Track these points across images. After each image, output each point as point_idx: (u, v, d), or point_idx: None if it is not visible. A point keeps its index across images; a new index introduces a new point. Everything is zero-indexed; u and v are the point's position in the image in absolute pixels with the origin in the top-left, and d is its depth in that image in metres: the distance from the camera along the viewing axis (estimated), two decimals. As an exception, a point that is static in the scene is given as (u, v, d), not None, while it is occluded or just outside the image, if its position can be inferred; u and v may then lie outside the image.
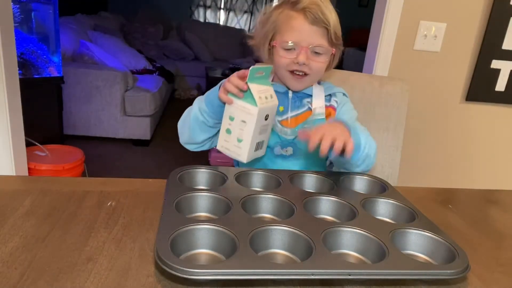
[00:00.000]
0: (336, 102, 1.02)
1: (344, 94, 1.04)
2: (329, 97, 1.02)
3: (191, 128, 0.92)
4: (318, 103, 1.00)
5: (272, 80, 1.01)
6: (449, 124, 1.70)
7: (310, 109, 0.99)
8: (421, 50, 1.57)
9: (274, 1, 6.21)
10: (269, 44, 0.96)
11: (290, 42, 0.90)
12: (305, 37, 0.90)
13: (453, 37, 1.57)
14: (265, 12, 0.98)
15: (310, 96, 1.00)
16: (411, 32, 1.55)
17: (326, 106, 1.00)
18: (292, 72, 0.94)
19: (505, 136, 1.75)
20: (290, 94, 0.99)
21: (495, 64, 1.59)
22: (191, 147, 0.98)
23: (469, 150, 1.75)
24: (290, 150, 0.97)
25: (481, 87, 1.63)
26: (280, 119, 0.98)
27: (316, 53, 0.92)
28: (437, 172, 1.77)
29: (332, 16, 0.90)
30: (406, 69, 1.59)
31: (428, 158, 1.73)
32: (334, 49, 0.94)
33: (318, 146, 0.81)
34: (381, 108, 1.18)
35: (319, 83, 1.03)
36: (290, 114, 0.99)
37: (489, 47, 1.56)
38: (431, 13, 1.53)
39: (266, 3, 6.26)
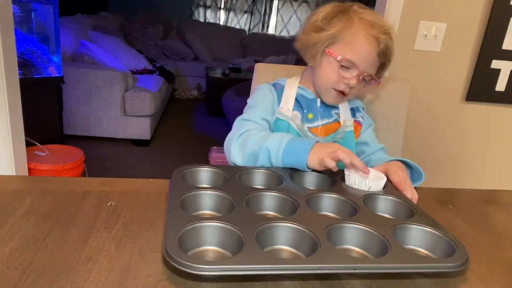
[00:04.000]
0: (362, 118, 1.04)
1: (362, 108, 1.06)
2: (352, 111, 1.03)
3: (249, 161, 0.85)
4: (345, 115, 1.01)
5: (302, 84, 1.00)
6: (449, 124, 1.70)
7: (337, 120, 1.00)
8: (421, 50, 1.57)
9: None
10: (323, 49, 0.91)
11: (351, 61, 0.88)
12: (367, 64, 0.89)
13: (453, 37, 1.57)
14: (325, 11, 0.92)
15: (336, 107, 1.01)
16: (411, 32, 1.55)
17: (354, 120, 1.02)
18: (337, 90, 0.93)
19: (505, 136, 1.75)
20: (319, 102, 0.99)
21: (495, 64, 1.59)
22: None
23: (469, 150, 1.75)
24: None
25: (481, 87, 1.63)
26: (309, 126, 0.98)
27: (364, 80, 0.91)
28: (437, 172, 1.77)
29: (394, 53, 0.90)
30: (406, 69, 1.59)
31: (428, 158, 1.73)
32: (379, 82, 0.94)
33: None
34: (381, 108, 1.18)
35: None
36: (320, 122, 0.98)
37: (489, 47, 1.56)
38: (431, 13, 1.53)
39: (266, 3, 6.27)
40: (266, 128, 0.94)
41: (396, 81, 1.20)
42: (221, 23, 6.24)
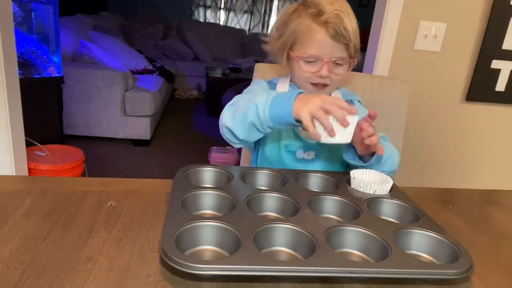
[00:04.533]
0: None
1: (359, 101, 1.04)
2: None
3: (246, 132, 0.84)
4: None
5: (290, 82, 1.00)
6: (449, 124, 1.70)
7: None
8: (421, 50, 1.57)
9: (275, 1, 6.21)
10: (288, 53, 0.94)
11: (311, 56, 0.90)
12: (327, 51, 0.89)
13: (453, 37, 1.57)
14: (280, 18, 0.95)
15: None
16: (411, 32, 1.55)
17: None
18: (314, 84, 0.93)
19: (505, 136, 1.75)
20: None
21: (495, 64, 1.59)
22: (235, 144, 0.91)
23: (469, 150, 1.75)
24: (312, 154, 0.96)
25: (481, 87, 1.62)
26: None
27: (337, 64, 0.91)
28: (437, 172, 1.77)
29: (352, 30, 0.88)
30: (406, 69, 1.59)
31: (428, 158, 1.73)
32: (354, 60, 0.93)
33: (340, 151, 0.86)
34: (381, 108, 1.18)
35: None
36: None
37: (489, 47, 1.56)
38: (431, 13, 1.53)
39: (266, 3, 6.27)
40: None
41: (396, 81, 1.20)
42: (221, 23, 6.24)
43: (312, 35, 0.89)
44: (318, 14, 0.87)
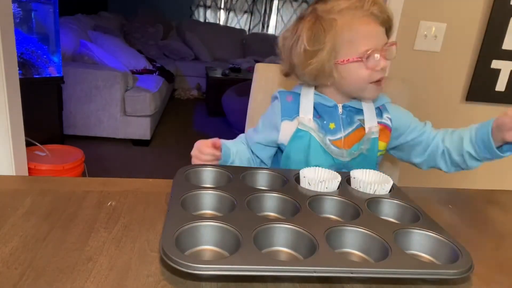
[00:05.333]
0: (390, 119, 0.94)
1: (390, 103, 0.97)
2: (378, 110, 0.94)
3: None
4: (370, 119, 0.91)
5: (319, 92, 0.93)
6: (449, 124, 1.68)
7: (361, 125, 0.91)
8: (421, 50, 1.57)
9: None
10: (334, 63, 0.85)
11: (370, 50, 0.82)
12: (380, 38, 0.85)
13: (453, 37, 1.57)
14: (310, 38, 0.84)
15: (359, 110, 0.92)
16: (411, 32, 1.55)
17: (379, 123, 0.92)
18: (375, 82, 0.86)
19: (505, 136, 1.75)
20: (340, 108, 0.91)
21: (495, 64, 1.59)
22: None
23: (469, 150, 1.75)
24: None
25: (481, 87, 1.62)
26: (332, 138, 0.90)
27: (386, 50, 0.86)
28: (437, 172, 1.76)
29: (390, 12, 0.86)
30: (406, 69, 1.59)
31: (428, 158, 1.73)
32: (395, 42, 0.87)
33: (373, 166, 0.84)
34: (381, 108, 1.18)
35: None
36: (343, 134, 0.90)
37: (489, 47, 1.56)
38: (431, 13, 1.53)
39: (266, 3, 6.27)
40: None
41: (396, 81, 1.20)
42: (221, 23, 6.24)
43: (361, 29, 0.83)
44: (354, 9, 0.83)
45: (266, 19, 6.38)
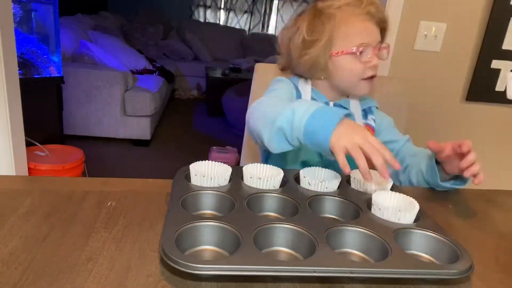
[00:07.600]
0: (374, 121, 0.98)
1: (377, 108, 1.01)
2: (364, 113, 0.98)
3: (272, 137, 0.74)
4: (356, 118, 0.94)
5: (314, 87, 0.95)
6: (449, 124, 1.70)
7: None
8: (421, 50, 1.57)
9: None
10: (329, 55, 0.89)
11: (364, 44, 0.86)
12: (374, 37, 0.88)
13: (453, 37, 1.57)
14: (308, 29, 0.88)
15: (347, 109, 0.94)
16: (411, 32, 1.55)
17: (364, 124, 0.96)
18: (366, 78, 0.90)
19: (505, 136, 1.75)
20: (331, 106, 0.93)
21: (495, 64, 1.59)
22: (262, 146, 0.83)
23: (469, 150, 1.75)
24: None
25: (481, 87, 1.63)
26: None
27: (380, 50, 0.90)
28: (437, 172, 1.77)
29: (386, 15, 0.89)
30: (406, 69, 1.59)
31: (428, 158, 1.73)
32: (388, 45, 0.91)
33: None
34: (381, 108, 1.18)
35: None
36: None
37: (489, 47, 1.56)
38: (431, 13, 1.53)
39: (266, 3, 6.27)
40: None
41: (396, 81, 1.20)
42: (221, 23, 6.24)
43: (357, 26, 0.87)
44: (353, 6, 0.87)
45: (266, 19, 6.38)
